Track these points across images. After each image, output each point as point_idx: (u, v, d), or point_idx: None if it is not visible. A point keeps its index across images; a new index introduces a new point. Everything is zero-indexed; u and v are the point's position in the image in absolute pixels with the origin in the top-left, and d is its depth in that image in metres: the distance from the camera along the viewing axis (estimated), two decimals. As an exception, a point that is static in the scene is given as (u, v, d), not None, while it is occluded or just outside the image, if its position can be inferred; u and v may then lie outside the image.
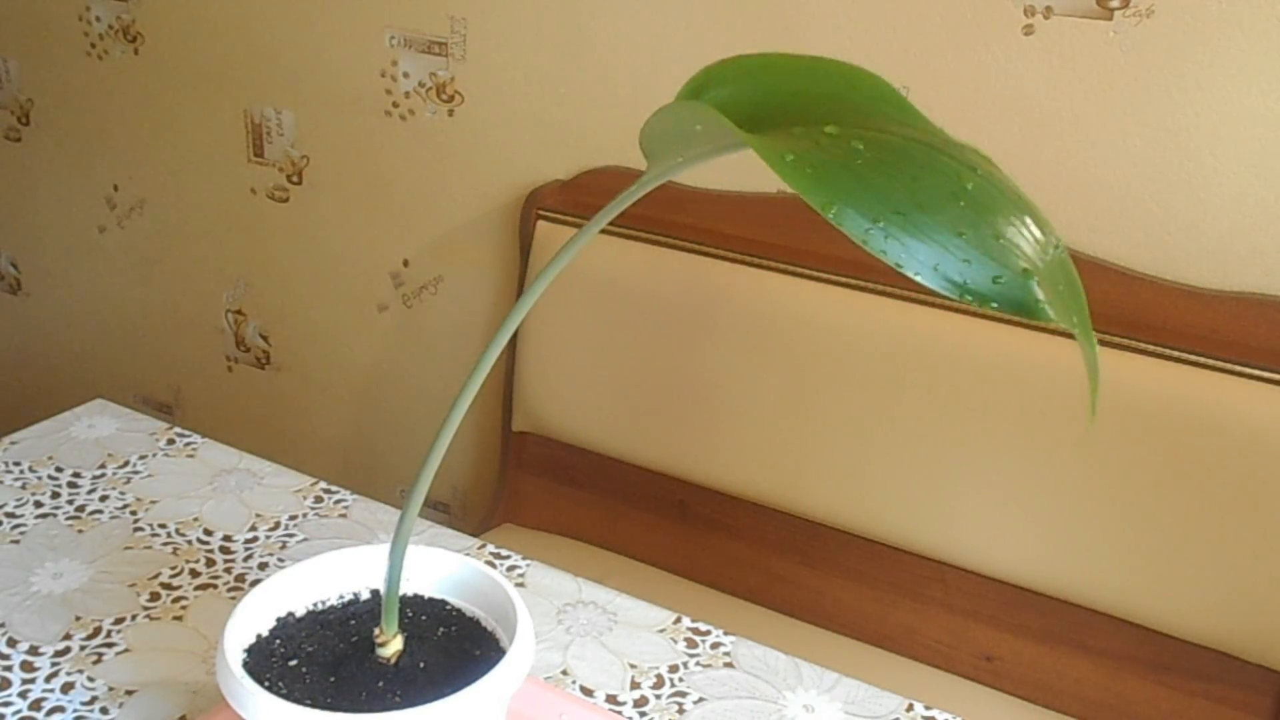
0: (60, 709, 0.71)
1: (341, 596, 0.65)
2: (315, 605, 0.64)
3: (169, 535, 0.90)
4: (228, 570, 0.87)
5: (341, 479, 1.69)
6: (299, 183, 1.68)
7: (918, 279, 0.39)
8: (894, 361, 1.19)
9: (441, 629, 0.64)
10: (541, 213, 1.41)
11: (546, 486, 1.49)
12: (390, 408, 1.73)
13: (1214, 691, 1.14)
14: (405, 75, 1.52)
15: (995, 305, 0.40)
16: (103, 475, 0.98)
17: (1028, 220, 0.42)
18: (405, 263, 1.63)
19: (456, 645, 0.62)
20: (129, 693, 0.73)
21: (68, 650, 0.77)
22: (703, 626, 0.85)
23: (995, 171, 0.44)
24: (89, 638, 0.78)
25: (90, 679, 0.74)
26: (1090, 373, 0.40)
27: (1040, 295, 0.40)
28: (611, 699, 0.77)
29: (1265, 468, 1.05)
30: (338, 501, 0.97)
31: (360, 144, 1.60)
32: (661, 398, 1.33)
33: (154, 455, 1.01)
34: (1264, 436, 1.05)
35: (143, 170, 1.84)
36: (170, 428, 1.06)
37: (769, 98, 0.48)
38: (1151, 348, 1.10)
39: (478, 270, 1.56)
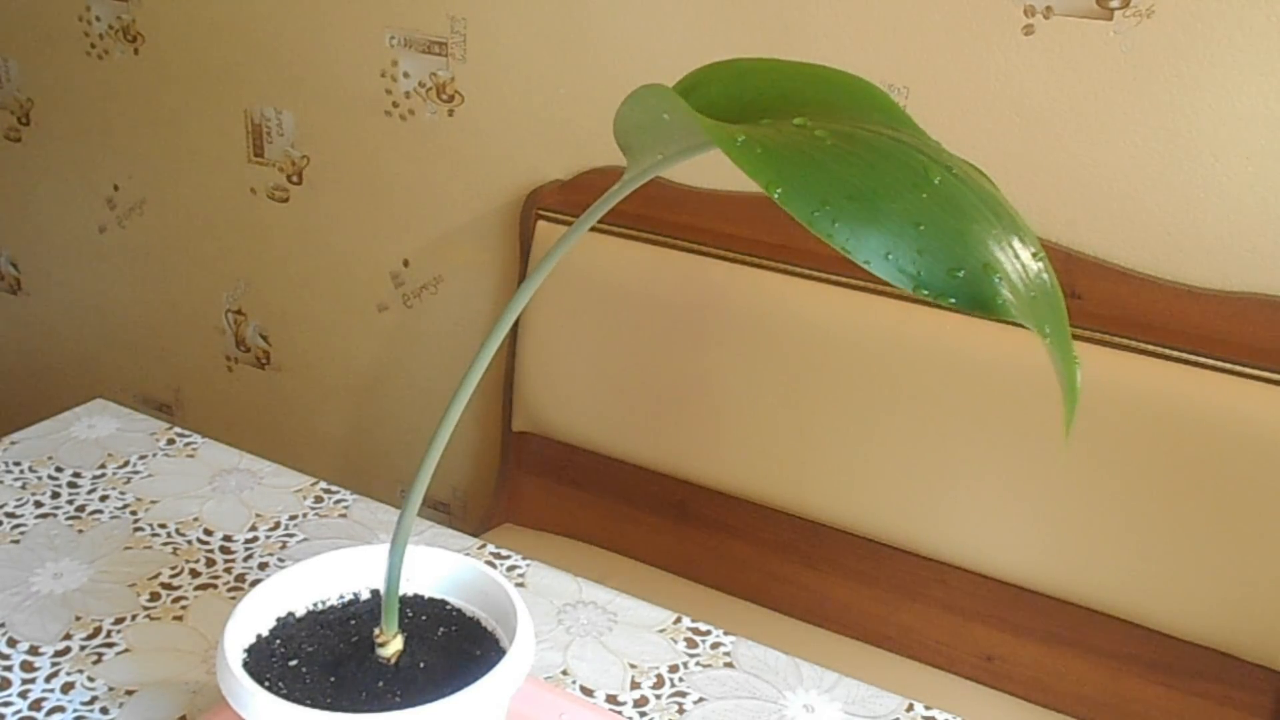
0: (60, 709, 0.71)
1: (341, 596, 0.65)
2: (315, 605, 0.64)
3: (169, 535, 0.90)
4: (228, 570, 0.87)
5: (341, 479, 1.69)
6: (299, 183, 1.68)
7: (867, 266, 0.37)
8: (894, 361, 1.19)
9: (441, 629, 0.64)
10: (541, 213, 1.41)
11: (546, 486, 1.49)
12: (390, 407, 1.73)
13: (1214, 691, 1.14)
14: (405, 75, 1.52)
15: (953, 300, 0.37)
16: (103, 475, 0.98)
17: (1006, 228, 0.39)
18: (405, 263, 1.63)
19: (456, 645, 0.62)
20: (129, 693, 0.73)
21: (68, 650, 0.77)
22: (703, 626, 0.85)
23: (983, 181, 0.42)
24: (89, 638, 0.78)
25: (90, 679, 0.74)
26: (1067, 390, 0.38)
27: (1005, 293, 0.37)
28: (611, 699, 0.77)
29: (1265, 468, 1.05)
30: (338, 501, 0.97)
31: (360, 144, 1.60)
32: (661, 397, 1.33)
33: (154, 455, 1.01)
34: (1264, 436, 1.05)
35: (143, 170, 1.83)
36: (170, 428, 1.06)
37: (756, 98, 0.47)
38: (1151, 348, 1.10)
39: (478, 270, 1.56)
